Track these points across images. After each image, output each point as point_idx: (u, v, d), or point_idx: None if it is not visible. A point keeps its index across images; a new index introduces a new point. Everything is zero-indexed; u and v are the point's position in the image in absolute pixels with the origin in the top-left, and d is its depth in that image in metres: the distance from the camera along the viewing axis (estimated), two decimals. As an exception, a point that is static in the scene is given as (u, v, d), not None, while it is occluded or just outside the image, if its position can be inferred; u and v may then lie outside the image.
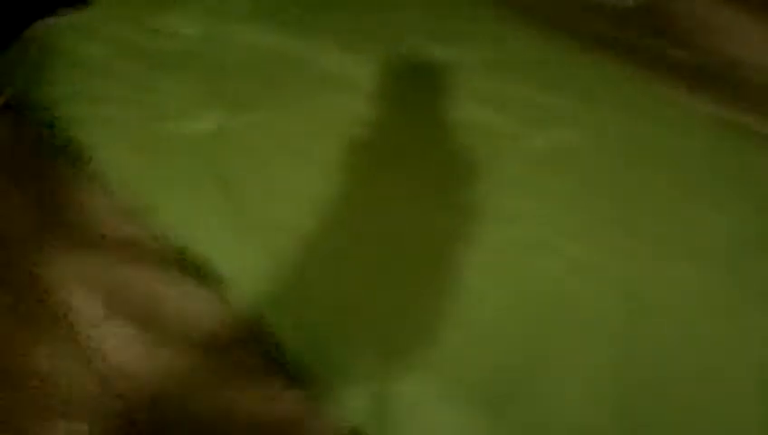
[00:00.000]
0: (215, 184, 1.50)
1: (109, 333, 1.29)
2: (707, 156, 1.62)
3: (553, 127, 1.66)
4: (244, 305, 1.35)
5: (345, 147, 1.58)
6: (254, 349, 1.31)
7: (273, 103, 1.66)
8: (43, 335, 1.29)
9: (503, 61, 1.85)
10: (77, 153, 1.54)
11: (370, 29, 1.90)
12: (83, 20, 1.78)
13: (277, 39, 1.82)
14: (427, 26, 1.93)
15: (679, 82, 1.84)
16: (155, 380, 1.24)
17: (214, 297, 1.35)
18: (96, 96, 1.64)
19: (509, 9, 2.05)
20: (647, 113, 1.72)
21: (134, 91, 1.66)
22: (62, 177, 1.52)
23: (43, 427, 1.18)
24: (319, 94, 1.70)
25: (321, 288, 1.38)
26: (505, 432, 1.23)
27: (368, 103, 1.69)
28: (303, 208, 1.46)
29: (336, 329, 1.33)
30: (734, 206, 1.49)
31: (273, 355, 1.29)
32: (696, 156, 1.61)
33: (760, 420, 1.25)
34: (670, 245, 1.42)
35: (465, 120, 1.67)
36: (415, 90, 1.74)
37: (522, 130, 1.65)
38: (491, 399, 1.26)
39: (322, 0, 1.97)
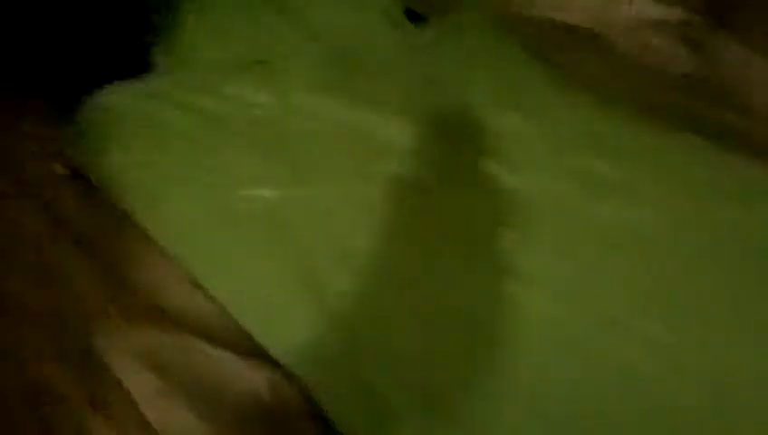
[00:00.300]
0: (277, 253, 1.49)
1: (165, 410, 1.32)
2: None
3: (621, 200, 1.64)
4: (302, 381, 1.36)
5: (403, 217, 1.59)
6: (312, 425, 1.31)
7: (335, 173, 1.66)
8: (101, 410, 1.31)
9: (565, 131, 1.84)
10: (143, 222, 1.56)
11: (440, 101, 1.91)
12: (154, 85, 1.81)
13: (341, 109, 1.83)
14: (487, 97, 1.93)
15: (746, 152, 1.82)
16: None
17: (273, 375, 1.38)
18: (164, 161, 1.66)
19: (565, 78, 2.06)
20: (718, 189, 1.69)
21: (204, 156, 1.67)
22: (130, 247, 1.55)
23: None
24: (377, 164, 1.70)
25: (378, 360, 1.37)
26: None
27: (426, 173, 1.70)
28: (366, 280, 1.45)
29: (392, 402, 1.32)
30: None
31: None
32: None
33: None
34: (749, 331, 1.38)
35: (526, 189, 1.66)
36: (475, 159, 1.73)
37: (587, 202, 1.63)
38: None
39: (388, 71, 1.99)
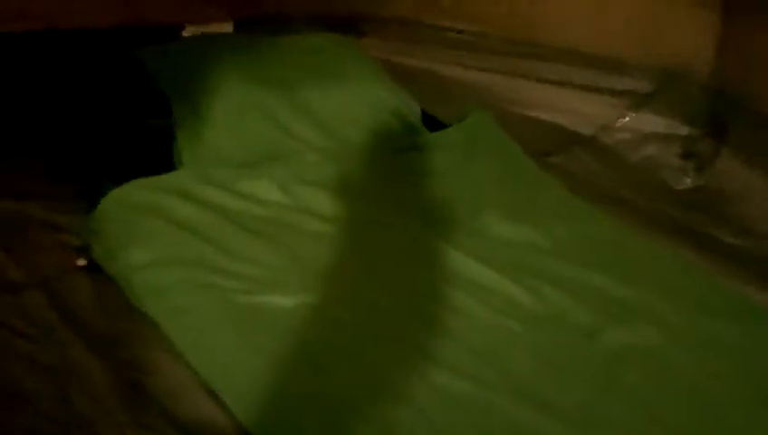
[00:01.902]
0: (296, 365, 1.49)
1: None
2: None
3: (630, 322, 1.65)
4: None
5: (424, 325, 1.61)
6: None
7: (342, 279, 1.69)
8: None
9: (574, 243, 1.88)
10: (159, 320, 1.56)
11: (446, 204, 1.96)
12: (174, 181, 1.84)
13: (357, 208, 1.88)
14: (499, 205, 1.97)
15: (749, 275, 1.87)
16: None
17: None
18: (183, 260, 1.66)
19: (571, 188, 2.11)
20: (722, 312, 1.71)
21: (221, 257, 1.68)
22: (145, 351, 1.54)
23: None
24: (387, 264, 1.74)
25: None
26: None
27: (446, 281, 1.72)
28: (374, 391, 1.46)
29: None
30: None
31: None
32: None
33: None
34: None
35: (537, 305, 1.69)
36: (488, 269, 1.75)
37: (597, 322, 1.65)
38: None
39: (396, 174, 2.06)
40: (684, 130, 2.29)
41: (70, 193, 1.88)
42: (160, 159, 1.94)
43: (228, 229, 1.75)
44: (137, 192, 1.77)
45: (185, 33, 2.39)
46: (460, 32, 2.64)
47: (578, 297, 1.70)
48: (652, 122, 2.34)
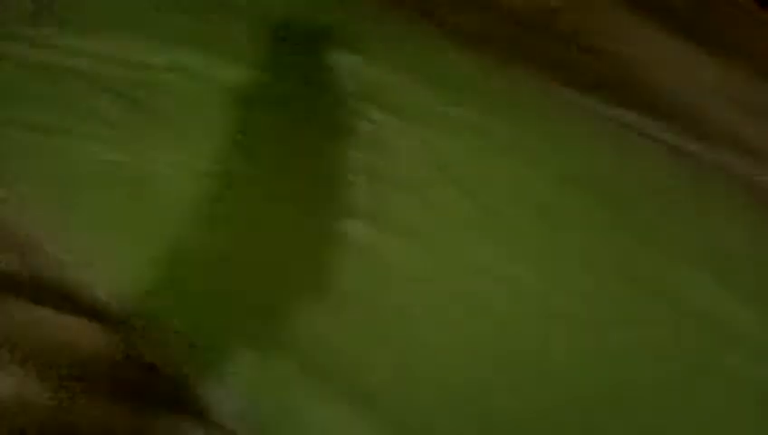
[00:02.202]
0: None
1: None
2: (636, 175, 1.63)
3: (476, 142, 1.64)
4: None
5: (256, 168, 1.57)
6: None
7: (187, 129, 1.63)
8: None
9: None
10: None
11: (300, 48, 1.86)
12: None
13: (197, 60, 1.76)
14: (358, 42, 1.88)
15: (593, 92, 1.83)
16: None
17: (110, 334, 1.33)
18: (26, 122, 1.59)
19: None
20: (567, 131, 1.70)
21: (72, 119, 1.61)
22: None
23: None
24: (232, 113, 1.67)
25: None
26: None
27: (286, 117, 1.68)
28: (212, 227, 1.45)
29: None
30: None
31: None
32: (629, 178, 1.63)
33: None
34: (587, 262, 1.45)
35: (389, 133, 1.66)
36: (345, 102, 1.72)
37: (443, 142, 1.63)
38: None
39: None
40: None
41: None
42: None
43: (78, 90, 1.66)
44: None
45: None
46: None
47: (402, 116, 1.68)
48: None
